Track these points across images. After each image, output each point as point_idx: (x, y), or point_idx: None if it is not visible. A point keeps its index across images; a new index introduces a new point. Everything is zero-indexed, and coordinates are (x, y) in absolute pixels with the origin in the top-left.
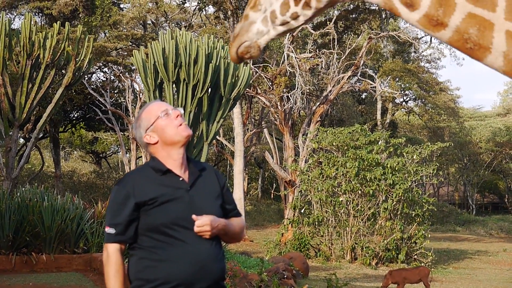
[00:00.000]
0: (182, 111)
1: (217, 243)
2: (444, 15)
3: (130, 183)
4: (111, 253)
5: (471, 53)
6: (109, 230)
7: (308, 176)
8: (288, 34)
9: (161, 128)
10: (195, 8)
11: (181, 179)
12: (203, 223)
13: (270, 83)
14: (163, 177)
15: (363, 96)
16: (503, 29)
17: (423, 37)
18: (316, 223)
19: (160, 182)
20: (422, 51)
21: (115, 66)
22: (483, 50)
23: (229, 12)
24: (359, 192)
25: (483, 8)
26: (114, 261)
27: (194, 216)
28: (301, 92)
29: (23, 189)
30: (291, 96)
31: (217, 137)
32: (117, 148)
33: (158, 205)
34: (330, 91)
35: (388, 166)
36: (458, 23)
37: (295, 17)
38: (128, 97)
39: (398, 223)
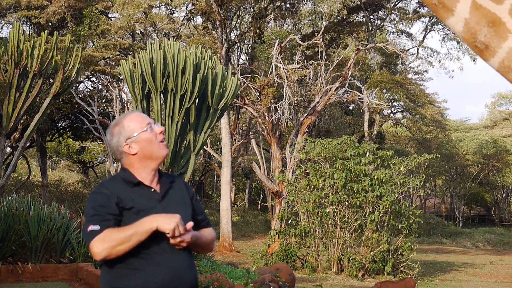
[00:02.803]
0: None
1: (189, 252)
2: None
3: (109, 189)
4: (102, 234)
5: (435, 9)
6: (93, 227)
7: (295, 187)
8: (276, 45)
9: (145, 142)
10: (184, 18)
11: (152, 190)
12: (184, 238)
13: (258, 94)
14: (134, 188)
15: (351, 107)
16: None
17: (410, 48)
18: (303, 234)
19: (133, 192)
20: (409, 63)
21: (103, 76)
22: (446, 10)
23: (217, 23)
24: (346, 203)
25: None
26: (109, 230)
27: (190, 224)
28: (289, 103)
29: (10, 198)
30: (278, 107)
31: (204, 147)
32: (104, 158)
33: (134, 213)
34: (317, 102)
35: (375, 177)
36: None
37: None
38: (116, 107)
39: (384, 235)
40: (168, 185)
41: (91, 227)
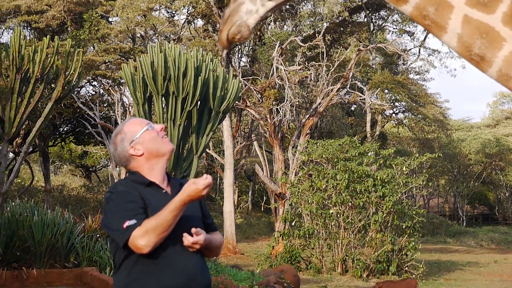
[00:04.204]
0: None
1: (201, 255)
2: None
3: (127, 187)
4: (142, 226)
5: (429, 29)
6: (129, 222)
7: (298, 189)
8: (276, 46)
9: (148, 140)
10: (184, 21)
11: (164, 191)
12: (197, 241)
13: (259, 96)
14: (147, 189)
15: (353, 108)
16: (462, 13)
17: (411, 49)
18: (307, 235)
19: (145, 193)
20: (411, 63)
21: (104, 80)
22: (439, 28)
23: (218, 25)
24: (349, 204)
25: None
26: (146, 221)
27: (194, 230)
28: (291, 105)
29: (13, 203)
30: (280, 108)
31: (206, 150)
32: (107, 162)
33: (151, 212)
34: (319, 103)
35: (378, 178)
36: (418, 0)
37: None
38: (118, 111)
39: (388, 235)
40: (178, 187)
41: (128, 223)
